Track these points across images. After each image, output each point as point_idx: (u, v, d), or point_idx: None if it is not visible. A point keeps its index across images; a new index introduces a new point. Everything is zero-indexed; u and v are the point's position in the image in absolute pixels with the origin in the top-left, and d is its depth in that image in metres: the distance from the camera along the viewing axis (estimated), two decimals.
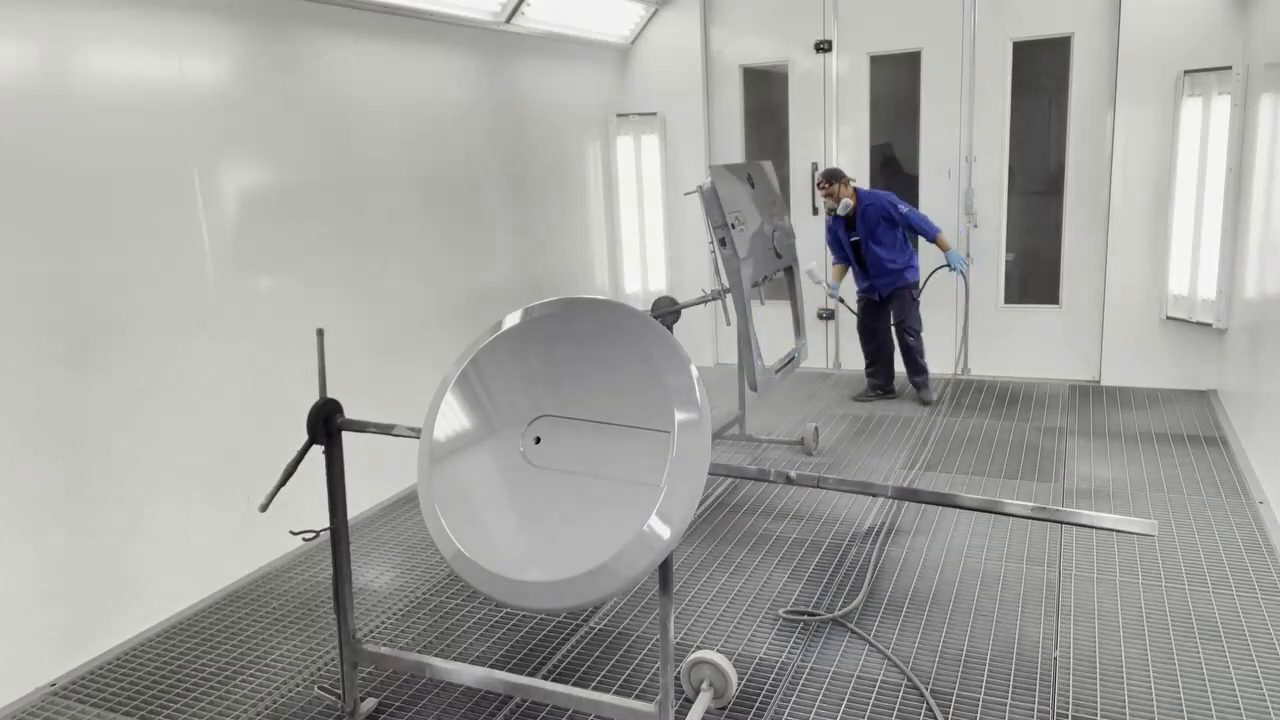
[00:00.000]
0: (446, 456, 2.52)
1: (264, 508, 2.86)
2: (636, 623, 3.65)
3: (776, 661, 3.31)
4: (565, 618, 3.68)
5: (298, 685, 3.32)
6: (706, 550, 4.26)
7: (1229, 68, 5.63)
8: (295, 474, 2.91)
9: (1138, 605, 3.56)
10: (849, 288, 6.65)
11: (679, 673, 3.10)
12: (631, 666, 3.34)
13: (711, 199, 4.76)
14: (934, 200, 6.90)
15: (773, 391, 5.27)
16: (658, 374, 2.38)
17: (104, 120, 3.59)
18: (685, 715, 2.88)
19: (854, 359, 7.40)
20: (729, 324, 5.23)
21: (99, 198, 3.57)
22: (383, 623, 3.75)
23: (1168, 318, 6.25)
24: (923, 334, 6.45)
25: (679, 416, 2.32)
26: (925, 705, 3.00)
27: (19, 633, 3.34)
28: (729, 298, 5.09)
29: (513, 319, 2.63)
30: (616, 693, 3.16)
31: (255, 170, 4.29)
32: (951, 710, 2.97)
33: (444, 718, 3.08)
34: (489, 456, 2.48)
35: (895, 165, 7.27)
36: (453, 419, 2.55)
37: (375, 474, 4.75)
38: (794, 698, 3.09)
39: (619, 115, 7.40)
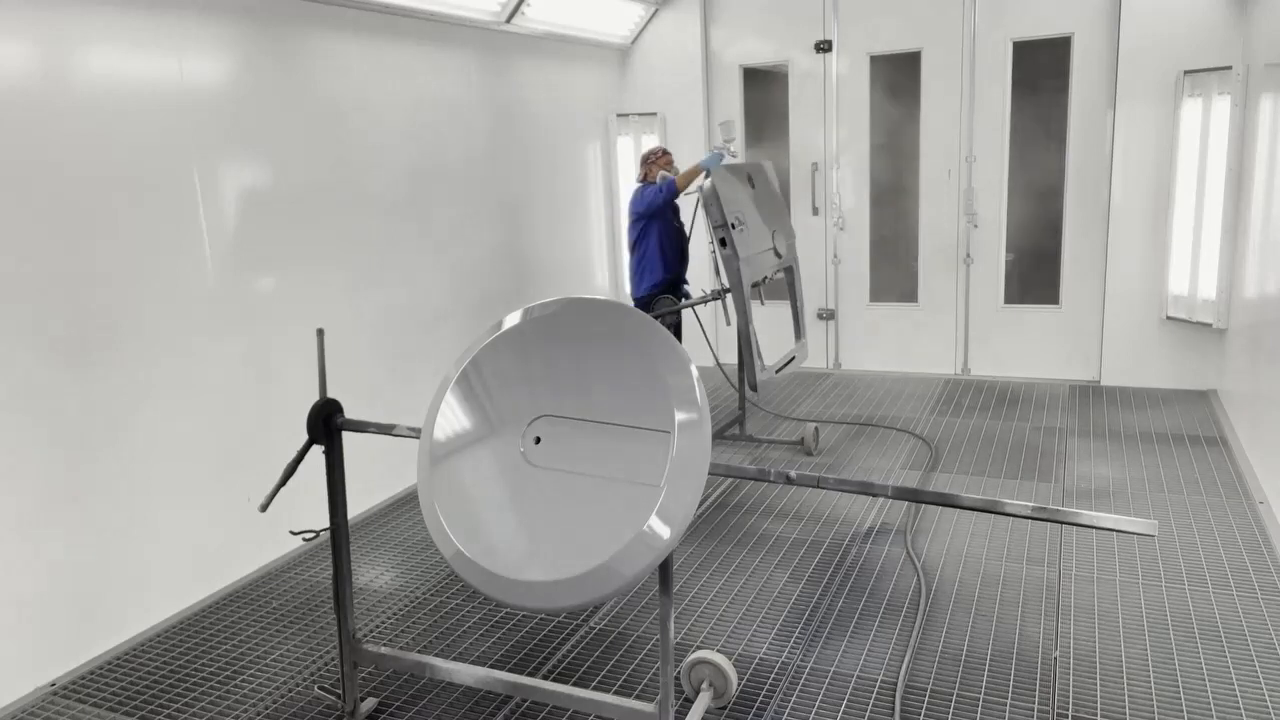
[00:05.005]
0: (446, 456, 2.52)
1: (264, 508, 2.87)
2: (636, 623, 3.65)
3: (776, 661, 3.31)
4: (565, 618, 3.68)
5: (298, 685, 3.32)
6: (706, 550, 4.26)
7: (1229, 68, 5.63)
8: (295, 474, 2.91)
9: (1138, 605, 3.56)
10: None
11: (679, 673, 3.10)
12: (631, 666, 3.34)
13: (711, 199, 4.76)
14: (934, 200, 6.91)
15: (770, 389, 5.24)
16: (658, 374, 2.38)
17: (103, 120, 3.59)
18: (685, 715, 2.88)
19: (854, 359, 7.42)
20: (729, 324, 5.23)
21: (98, 197, 3.57)
22: (383, 623, 3.75)
23: (1168, 318, 6.25)
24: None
25: (679, 416, 2.32)
26: (925, 705, 3.00)
27: (19, 633, 3.34)
28: (729, 298, 5.10)
29: (513, 319, 2.63)
30: (616, 693, 3.16)
31: (255, 170, 4.29)
32: (951, 710, 2.98)
33: (444, 718, 3.08)
34: (489, 456, 2.48)
35: (894, 165, 7.26)
36: (453, 419, 2.55)
37: (375, 474, 4.77)
38: (794, 698, 3.09)
39: (619, 115, 7.40)
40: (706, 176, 5.08)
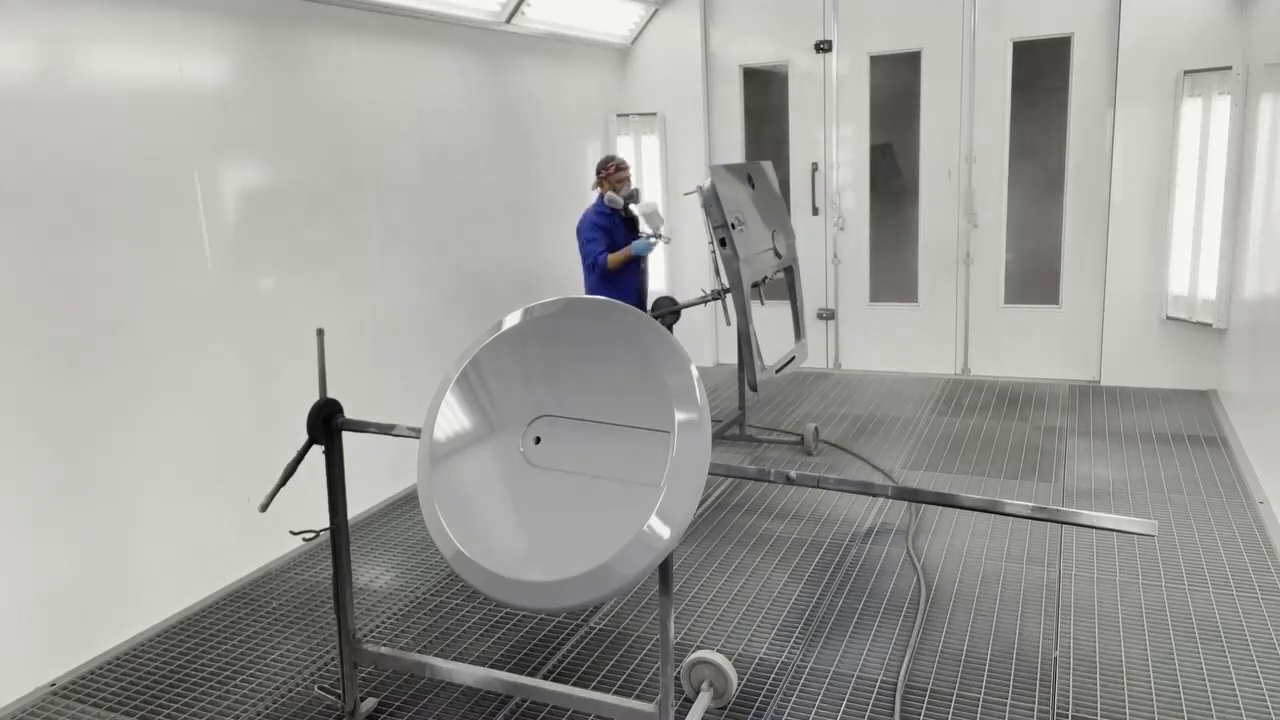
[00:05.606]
0: (446, 456, 2.52)
1: (264, 508, 2.87)
2: (636, 623, 3.65)
3: (776, 661, 3.31)
4: (565, 618, 3.68)
5: (298, 685, 3.32)
6: (706, 550, 4.26)
7: (1229, 68, 5.63)
8: (295, 474, 2.91)
9: (1138, 605, 3.56)
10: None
11: (679, 673, 3.10)
12: (631, 666, 3.34)
13: (711, 199, 4.76)
14: (934, 200, 6.91)
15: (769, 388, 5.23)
16: (658, 374, 2.38)
17: (103, 120, 3.59)
18: (685, 715, 2.88)
19: (854, 359, 7.41)
20: (729, 324, 5.23)
21: (99, 197, 3.57)
22: (383, 623, 3.75)
23: (1168, 318, 6.25)
24: None
25: (679, 416, 2.32)
26: (925, 705, 3.00)
27: (19, 633, 3.34)
28: (729, 298, 5.10)
29: (513, 319, 2.63)
30: (616, 693, 3.16)
31: (255, 170, 4.29)
32: (951, 710, 2.98)
33: (444, 718, 3.08)
34: (489, 456, 2.48)
35: (894, 165, 7.27)
36: (453, 419, 2.55)
37: (375, 474, 4.77)
38: (794, 698, 3.09)
39: (619, 115, 7.40)
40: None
